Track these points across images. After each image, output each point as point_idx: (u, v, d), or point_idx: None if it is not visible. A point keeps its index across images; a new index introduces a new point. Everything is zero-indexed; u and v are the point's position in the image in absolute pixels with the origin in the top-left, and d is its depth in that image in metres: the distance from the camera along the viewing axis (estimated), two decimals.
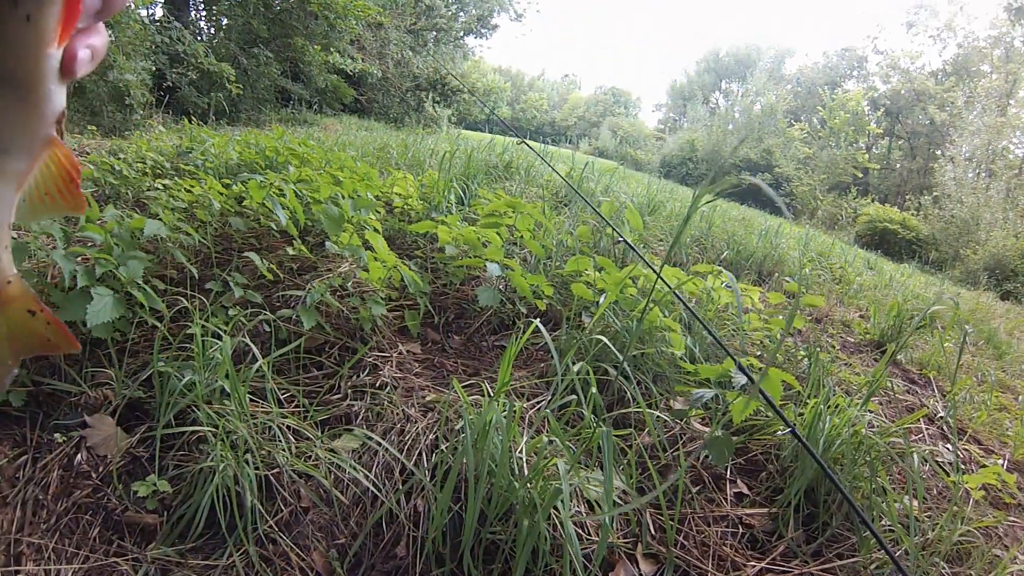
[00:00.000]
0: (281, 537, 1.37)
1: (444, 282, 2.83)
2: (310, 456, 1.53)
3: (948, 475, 2.58)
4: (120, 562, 1.34)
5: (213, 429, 1.45)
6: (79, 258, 1.89)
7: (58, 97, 0.42)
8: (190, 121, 6.21)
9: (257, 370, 1.76)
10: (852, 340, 4.64)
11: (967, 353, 5.84)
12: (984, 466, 2.87)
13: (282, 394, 1.81)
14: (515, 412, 1.44)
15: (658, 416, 1.87)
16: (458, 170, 5.46)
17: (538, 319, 2.68)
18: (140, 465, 1.53)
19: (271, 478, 1.45)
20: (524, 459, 1.46)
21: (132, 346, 1.92)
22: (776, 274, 5.58)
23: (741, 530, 1.91)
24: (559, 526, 1.40)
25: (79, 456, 1.52)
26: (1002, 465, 3.02)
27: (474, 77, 22.58)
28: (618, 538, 1.57)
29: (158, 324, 1.86)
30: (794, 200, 28.79)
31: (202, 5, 12.40)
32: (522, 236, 3.31)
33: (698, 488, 1.98)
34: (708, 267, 3.42)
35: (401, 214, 3.85)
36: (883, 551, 1.90)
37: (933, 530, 2.02)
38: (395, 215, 3.79)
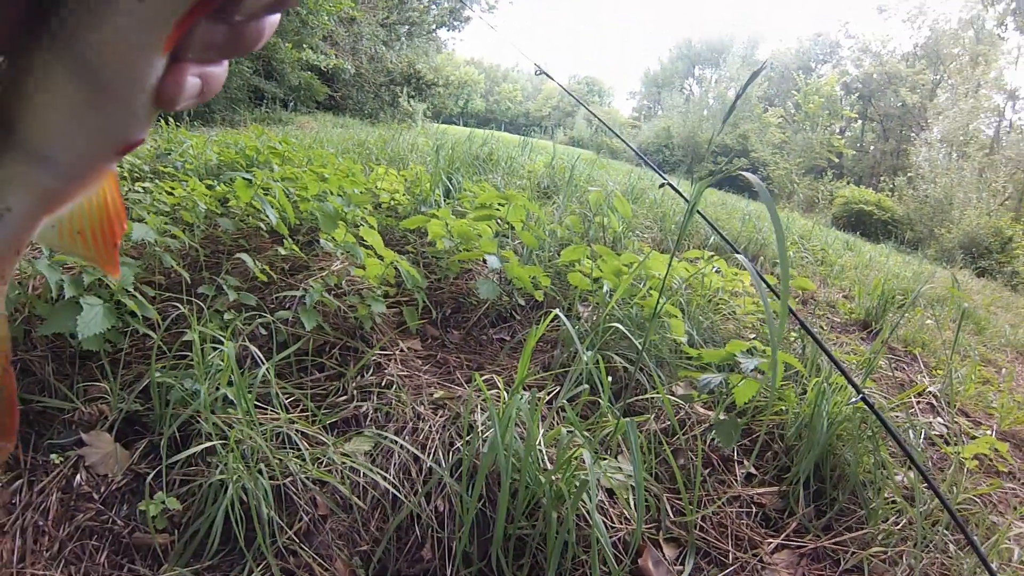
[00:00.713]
0: (302, 548, 1.32)
1: (438, 276, 2.78)
2: (323, 461, 1.48)
3: (946, 446, 2.63)
4: None
5: (223, 441, 1.39)
6: (64, 267, 1.81)
7: (140, 122, 0.32)
8: (166, 123, 6.05)
9: (261, 376, 1.70)
10: (838, 320, 4.71)
11: (948, 329, 5.94)
12: (974, 437, 2.95)
13: (286, 399, 1.76)
14: (537, 404, 1.40)
15: (664, 401, 1.84)
16: (442, 164, 5.40)
17: (538, 310, 2.65)
18: (144, 482, 1.47)
19: (285, 487, 1.40)
20: (544, 452, 1.42)
21: (125, 357, 1.85)
22: (761, 258, 5.61)
23: (754, 509, 1.92)
24: (587, 516, 1.36)
25: (78, 477, 1.46)
26: (992, 436, 3.08)
27: (448, 70, 22.44)
28: (642, 525, 1.54)
29: (151, 333, 1.79)
30: (771, 184, 29.12)
31: None
32: (512, 228, 3.27)
33: (708, 470, 1.98)
34: (699, 252, 3.41)
35: (388, 210, 3.78)
36: (889, 523, 1.94)
37: (932, 500, 2.04)
38: (382, 211, 3.72)
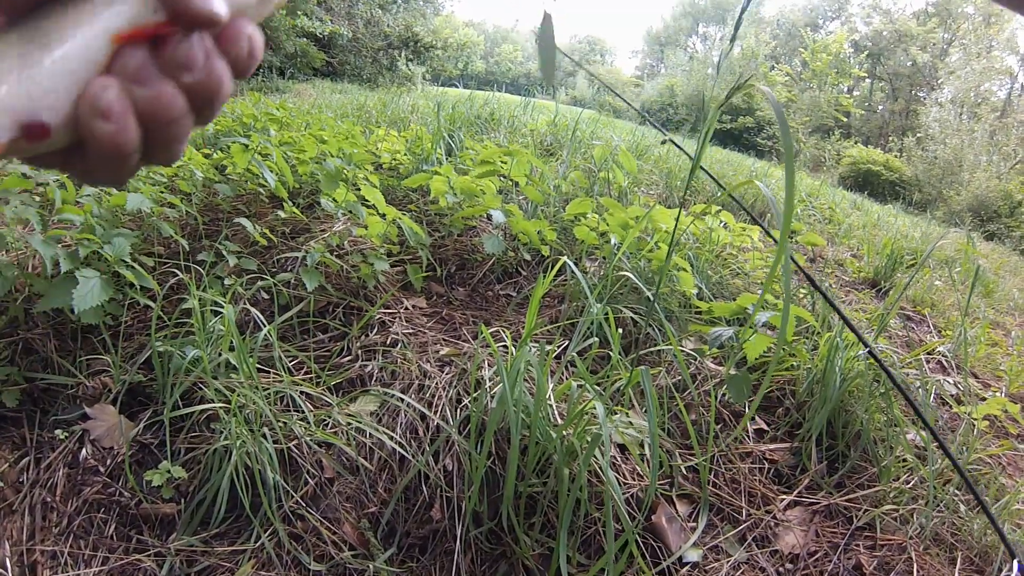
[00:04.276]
0: (309, 512, 1.29)
1: (442, 234, 2.72)
2: (328, 423, 1.45)
3: (958, 405, 2.59)
4: (142, 558, 1.25)
5: (225, 405, 1.35)
6: (59, 242, 1.77)
7: None
8: None
9: (263, 339, 1.67)
10: (847, 279, 4.64)
11: (956, 291, 5.90)
12: (984, 398, 2.91)
13: (290, 361, 1.72)
14: (546, 357, 1.35)
15: (676, 354, 1.80)
16: (443, 123, 5.30)
17: (541, 264, 2.60)
18: (150, 453, 1.44)
19: (291, 450, 1.36)
20: (554, 407, 1.38)
21: (126, 329, 1.81)
22: (768, 214, 5.56)
23: (766, 465, 1.88)
24: (600, 472, 1.33)
25: (84, 451, 1.43)
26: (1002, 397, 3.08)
27: (446, 32, 22.03)
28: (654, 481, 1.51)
29: (151, 303, 1.75)
30: (776, 143, 28.72)
31: None
32: (516, 184, 3.19)
33: (720, 426, 1.94)
34: (706, 207, 3.33)
35: (389, 170, 3.71)
36: (900, 481, 1.92)
37: (944, 459, 2.02)
38: (383, 171, 3.65)
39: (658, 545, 1.41)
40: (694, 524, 1.52)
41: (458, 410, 1.46)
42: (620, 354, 1.68)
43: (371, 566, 1.20)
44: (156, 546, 1.26)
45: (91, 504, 1.37)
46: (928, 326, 4.11)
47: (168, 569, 1.21)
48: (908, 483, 1.95)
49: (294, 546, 1.23)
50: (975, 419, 2.44)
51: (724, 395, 2.05)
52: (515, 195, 3.25)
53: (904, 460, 2.00)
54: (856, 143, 27.37)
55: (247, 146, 2.66)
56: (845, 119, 29.84)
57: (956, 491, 1.95)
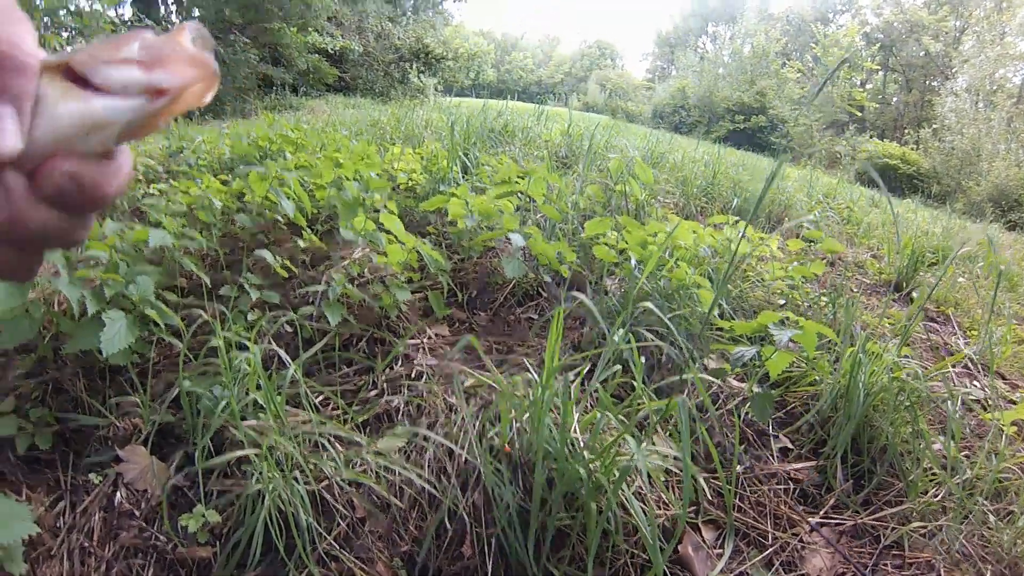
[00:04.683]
0: (342, 553, 1.30)
1: (461, 257, 2.73)
2: (358, 463, 1.46)
3: (984, 411, 2.54)
4: None
5: (256, 450, 1.37)
6: (84, 283, 1.80)
7: None
8: (176, 121, 6.03)
9: (289, 377, 1.68)
10: (868, 281, 4.58)
11: (980, 287, 5.78)
12: (1013, 402, 2.87)
13: (316, 397, 1.73)
14: (570, 391, 1.36)
15: (696, 381, 1.79)
16: (458, 139, 5.32)
17: (563, 286, 2.60)
18: (183, 495, 1.46)
19: (322, 492, 1.38)
20: (579, 438, 1.38)
21: (154, 367, 1.84)
22: (786, 219, 5.47)
23: (791, 486, 1.88)
24: (626, 503, 1.32)
25: (118, 495, 1.46)
26: None
27: (456, 43, 22.14)
28: (680, 509, 1.50)
29: (177, 341, 1.77)
30: (791, 141, 28.53)
31: None
32: (533, 201, 3.20)
33: (744, 446, 1.93)
34: (724, 217, 3.31)
35: (406, 191, 3.73)
36: (928, 496, 1.89)
37: (972, 469, 2.00)
38: (400, 192, 3.67)
39: (685, 574, 1.41)
40: (720, 550, 1.51)
41: (484, 443, 1.46)
42: (644, 380, 1.68)
43: None
44: None
45: (128, 549, 1.39)
46: (952, 326, 4.03)
47: None
48: (936, 496, 1.91)
49: None
50: (1003, 426, 2.40)
51: (747, 414, 2.04)
52: (532, 213, 3.26)
53: (934, 473, 1.97)
54: (871, 137, 27.11)
55: (264, 174, 2.69)
56: (859, 113, 29.54)
57: (984, 501, 1.91)
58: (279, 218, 2.83)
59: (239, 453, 1.35)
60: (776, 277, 3.15)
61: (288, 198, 2.68)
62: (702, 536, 1.53)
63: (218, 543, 1.36)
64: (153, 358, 1.85)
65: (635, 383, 1.52)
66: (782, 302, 3.04)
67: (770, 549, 1.61)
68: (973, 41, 27.59)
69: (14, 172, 0.32)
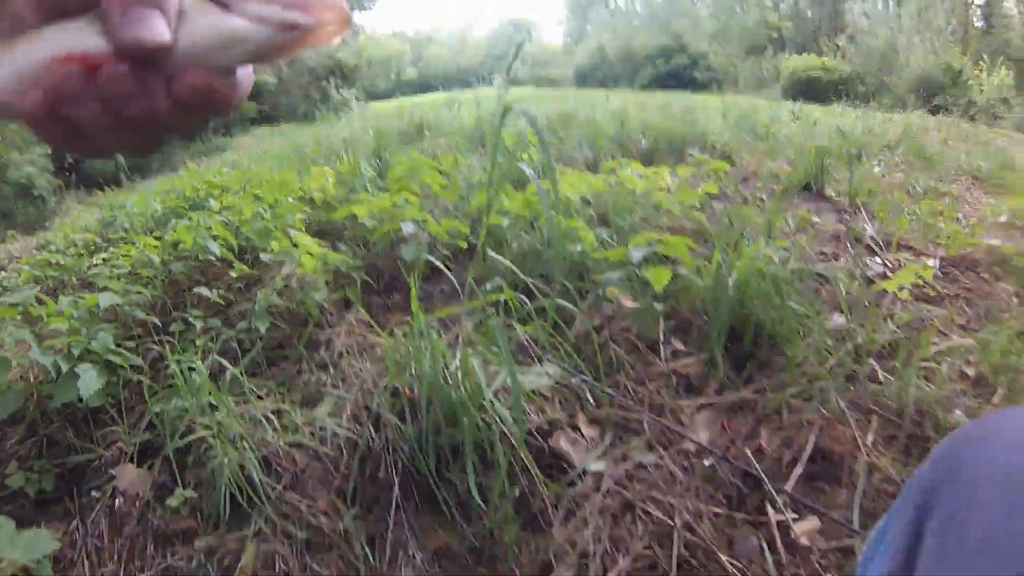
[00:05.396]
0: (291, 497, 1.69)
1: (376, 250, 3.10)
2: (294, 428, 1.84)
3: (881, 281, 2.81)
4: (175, 562, 1.65)
5: (210, 432, 1.74)
6: (54, 350, 2.15)
7: None
8: (103, 190, 6.29)
9: (234, 379, 2.05)
10: (781, 188, 4.78)
11: (898, 171, 6.02)
12: (915, 271, 3.06)
13: (261, 392, 2.11)
14: (435, 336, 1.75)
15: (548, 308, 2.11)
16: (370, 147, 5.64)
17: (470, 254, 2.98)
18: (167, 489, 1.83)
19: (268, 456, 1.76)
20: (457, 372, 1.76)
21: (126, 402, 2.19)
22: (697, 148, 5.75)
23: (676, 380, 2.12)
24: (498, 415, 1.70)
25: (117, 501, 1.82)
26: (934, 264, 3.29)
27: (370, 49, 22.23)
28: (561, 414, 1.88)
29: (141, 377, 2.13)
30: (714, 73, 28.98)
31: None
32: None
33: (633, 355, 2.22)
34: (615, 163, 3.69)
35: (325, 205, 4.08)
36: (810, 368, 2.07)
37: (861, 336, 2.24)
38: (319, 207, 4.01)
39: (565, 464, 1.78)
40: (600, 443, 1.86)
41: (387, 391, 1.85)
42: (528, 314, 2.08)
43: (340, 524, 1.60)
44: (186, 551, 1.66)
45: (132, 539, 1.76)
46: (862, 213, 4.28)
47: (196, 563, 1.61)
48: (824, 365, 2.09)
49: (282, 521, 1.63)
50: (893, 290, 2.66)
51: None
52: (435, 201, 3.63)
53: (828, 345, 2.16)
54: (791, 54, 27.60)
55: (190, 225, 3.05)
56: (776, 35, 30.07)
57: (874, 361, 2.15)
58: (212, 258, 3.18)
59: (195, 436, 1.73)
60: (667, 206, 3.52)
61: (215, 239, 3.03)
62: (582, 433, 1.89)
63: (198, 514, 1.74)
64: (124, 396, 2.20)
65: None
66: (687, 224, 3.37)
67: (650, 434, 1.84)
68: None
69: (155, 74, 0.37)
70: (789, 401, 1.96)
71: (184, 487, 1.79)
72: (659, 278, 2.32)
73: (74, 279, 3.71)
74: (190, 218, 3.21)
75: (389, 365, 1.89)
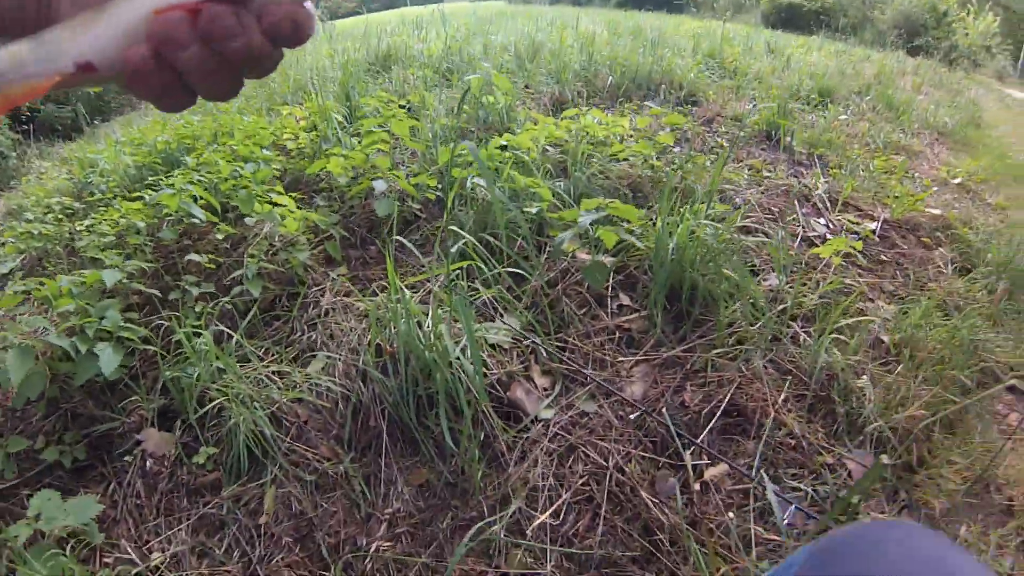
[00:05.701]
0: (297, 445, 1.97)
1: (350, 205, 3.29)
2: (295, 386, 2.11)
3: (820, 245, 2.92)
4: (207, 510, 1.95)
5: (225, 399, 2.01)
6: (67, 332, 2.35)
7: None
8: (65, 140, 6.25)
9: (236, 343, 2.30)
10: (743, 134, 4.83)
11: (864, 121, 5.97)
12: (855, 233, 3.32)
13: (260, 351, 2.36)
14: (409, 298, 1.99)
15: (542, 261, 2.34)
16: (337, 81, 5.66)
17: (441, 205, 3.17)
18: (190, 447, 2.11)
19: (275, 413, 2.03)
20: (431, 333, 2.02)
21: (141, 369, 2.44)
22: (663, 85, 5.70)
23: (619, 335, 2.34)
24: (461, 368, 1.96)
25: (147, 463, 2.10)
26: (875, 228, 3.44)
27: None
28: (517, 366, 2.15)
29: (151, 347, 2.37)
30: None
31: None
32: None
33: (584, 310, 2.45)
34: (575, 110, 3.81)
35: (298, 153, 4.18)
36: (740, 328, 2.30)
37: (793, 298, 2.44)
38: (292, 156, 4.12)
39: (519, 412, 2.06)
40: (550, 392, 2.11)
41: (372, 348, 2.12)
42: (489, 271, 2.31)
43: (341, 467, 1.90)
44: (214, 499, 1.95)
45: (166, 494, 2.05)
46: (817, 167, 4.33)
47: (225, 510, 1.91)
48: (754, 325, 2.29)
49: (294, 468, 1.92)
50: (826, 256, 2.80)
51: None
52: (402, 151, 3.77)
53: (755, 307, 2.35)
54: None
55: (172, 188, 3.19)
56: None
57: (797, 325, 2.39)
58: (196, 220, 3.35)
59: (215, 404, 2.00)
60: (623, 157, 3.62)
61: (196, 201, 3.20)
62: (535, 384, 2.15)
63: (220, 467, 2.02)
64: (136, 365, 2.45)
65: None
66: (644, 173, 3.49)
67: (592, 384, 2.11)
68: None
69: (247, 11, 0.41)
70: (714, 360, 2.19)
71: (207, 444, 2.07)
72: (609, 239, 2.50)
73: (59, 248, 3.84)
74: (171, 185, 3.35)
75: (371, 326, 2.13)
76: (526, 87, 5.56)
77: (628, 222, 2.59)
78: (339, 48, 9.40)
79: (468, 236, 2.38)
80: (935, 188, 4.47)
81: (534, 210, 2.62)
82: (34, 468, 2.22)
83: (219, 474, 2.01)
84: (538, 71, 5.88)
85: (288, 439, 1.99)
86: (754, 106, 5.71)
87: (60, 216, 4.34)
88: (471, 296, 2.28)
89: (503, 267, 2.42)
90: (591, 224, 2.48)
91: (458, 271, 2.36)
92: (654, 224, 2.64)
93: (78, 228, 3.72)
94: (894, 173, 4.41)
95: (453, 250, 2.28)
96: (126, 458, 2.16)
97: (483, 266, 2.33)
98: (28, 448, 2.22)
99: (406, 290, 2.06)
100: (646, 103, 5.35)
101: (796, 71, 7.89)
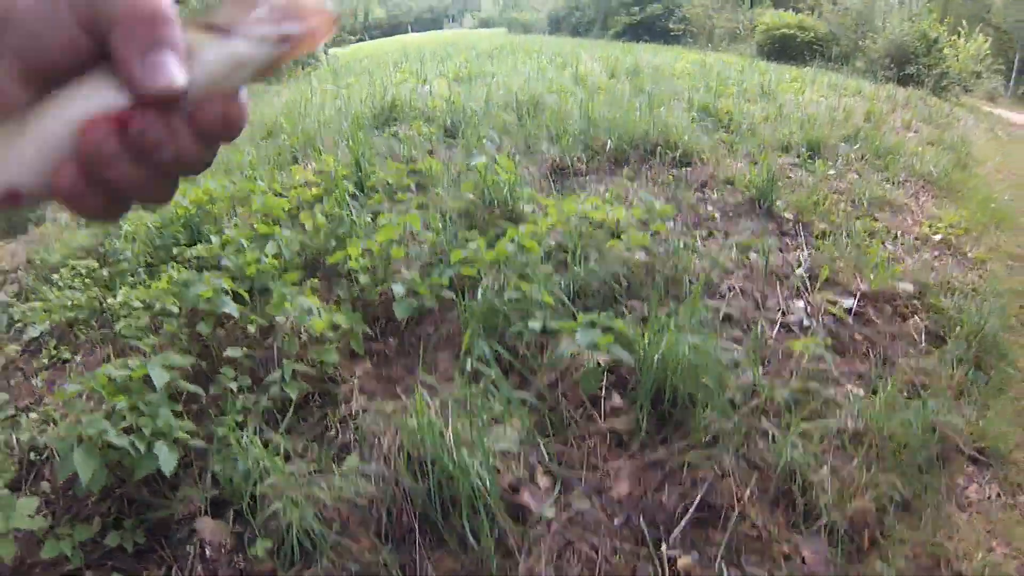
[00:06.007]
0: (341, 539, 2.33)
1: (371, 298, 3.63)
2: (334, 486, 2.47)
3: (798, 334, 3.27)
4: None
5: (279, 504, 2.36)
6: (123, 430, 2.65)
7: None
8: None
9: (277, 443, 2.66)
10: (733, 201, 5.01)
11: (852, 172, 6.28)
12: (833, 314, 3.58)
13: (299, 448, 2.72)
14: (433, 417, 2.37)
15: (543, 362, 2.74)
16: (343, 133, 6.01)
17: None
18: (242, 537, 2.46)
19: (320, 510, 2.39)
20: (452, 438, 2.39)
21: (190, 459, 2.77)
22: (659, 147, 5.94)
23: (610, 437, 2.66)
24: (476, 475, 2.33)
25: (207, 551, 2.44)
26: (851, 306, 3.67)
27: None
28: (524, 473, 2.52)
29: (200, 443, 2.70)
30: (689, 24, 28.86)
31: None
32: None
33: (580, 411, 2.78)
34: (574, 198, 4.17)
35: (315, 232, 4.50)
36: (715, 428, 2.60)
37: (763, 393, 2.73)
38: (309, 233, 4.42)
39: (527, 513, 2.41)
40: (551, 493, 2.45)
41: (402, 453, 2.49)
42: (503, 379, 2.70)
43: (379, 557, 2.27)
44: None
45: None
46: (803, 238, 4.56)
47: None
48: (729, 423, 2.56)
49: (340, 560, 2.29)
50: (799, 350, 3.05)
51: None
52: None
53: (733, 404, 2.66)
54: (768, 7, 27.29)
55: (201, 275, 3.53)
56: None
57: (768, 420, 2.68)
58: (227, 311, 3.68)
59: (274, 507, 2.34)
60: (619, 251, 3.84)
61: (228, 295, 3.54)
62: (538, 485, 2.50)
63: (273, 557, 2.38)
64: (186, 454, 2.78)
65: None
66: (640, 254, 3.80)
67: (587, 485, 2.47)
68: None
69: (178, 115, 0.38)
70: (690, 461, 2.50)
71: (261, 535, 2.42)
72: (603, 344, 2.74)
73: (93, 320, 4.14)
74: (199, 269, 3.66)
75: (400, 432, 2.50)
76: (527, 147, 5.92)
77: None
78: (344, 94, 9.72)
79: (480, 346, 2.74)
80: (909, 260, 4.64)
81: (538, 327, 2.94)
82: (95, 551, 2.50)
83: (273, 564, 2.37)
84: (539, 132, 6.17)
85: (334, 532, 2.34)
86: (754, 161, 5.93)
87: (86, 280, 4.60)
88: (485, 407, 2.63)
89: (511, 378, 2.79)
90: (585, 345, 2.78)
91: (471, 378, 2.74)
92: (645, 323, 2.98)
93: (110, 302, 4.02)
94: (876, 235, 4.64)
95: (468, 369, 2.66)
96: (187, 547, 2.50)
97: (494, 377, 2.70)
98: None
99: (430, 401, 2.43)
100: (644, 167, 5.71)
101: (788, 118, 8.21)
